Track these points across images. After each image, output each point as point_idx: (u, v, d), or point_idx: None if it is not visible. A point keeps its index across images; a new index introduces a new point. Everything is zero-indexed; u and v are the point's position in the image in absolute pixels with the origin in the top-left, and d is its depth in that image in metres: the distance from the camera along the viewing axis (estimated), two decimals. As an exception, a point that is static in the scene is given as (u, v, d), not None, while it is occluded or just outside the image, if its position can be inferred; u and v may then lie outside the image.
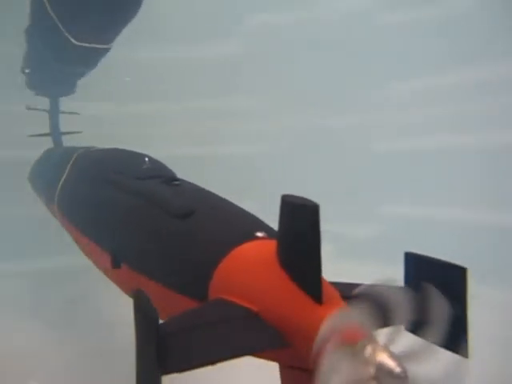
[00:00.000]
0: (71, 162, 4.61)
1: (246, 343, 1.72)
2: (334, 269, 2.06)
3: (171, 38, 9.06)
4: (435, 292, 1.62)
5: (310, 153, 8.98)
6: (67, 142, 7.11)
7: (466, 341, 1.61)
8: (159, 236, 2.58)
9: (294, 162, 9.07)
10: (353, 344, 1.45)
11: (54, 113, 7.48)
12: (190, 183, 3.16)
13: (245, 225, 2.38)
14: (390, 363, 1.41)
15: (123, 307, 2.21)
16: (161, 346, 1.49)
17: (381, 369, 1.41)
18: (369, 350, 1.44)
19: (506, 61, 7.35)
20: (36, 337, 5.41)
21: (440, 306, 1.58)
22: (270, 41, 9.42)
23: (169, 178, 3.21)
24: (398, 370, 1.40)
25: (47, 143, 7.21)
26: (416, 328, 1.63)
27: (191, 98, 9.18)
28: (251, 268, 1.98)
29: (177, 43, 9.34)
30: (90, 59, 5.78)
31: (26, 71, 6.91)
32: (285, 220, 1.81)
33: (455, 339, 1.58)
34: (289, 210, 1.79)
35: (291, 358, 1.72)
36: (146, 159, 3.58)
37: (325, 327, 1.50)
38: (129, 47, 6.10)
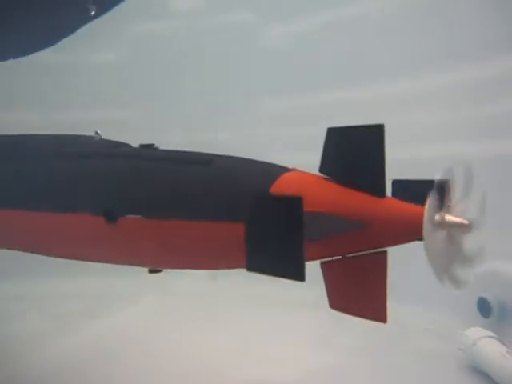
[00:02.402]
0: None
1: (332, 225, 2.10)
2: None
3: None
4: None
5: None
6: None
7: None
8: (187, 182, 2.60)
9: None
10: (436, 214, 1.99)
11: None
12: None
13: (272, 164, 2.57)
14: (459, 219, 1.98)
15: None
16: (302, 221, 1.95)
17: (453, 225, 1.98)
18: (443, 215, 1.99)
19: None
20: None
21: None
22: (152, 50, 8.94)
23: (144, 144, 3.20)
24: (465, 221, 1.97)
25: None
26: None
27: (61, 109, 8.12)
28: (305, 185, 2.26)
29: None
30: None
31: None
32: (346, 143, 2.20)
33: None
34: (353, 133, 2.18)
35: (361, 240, 2.13)
36: (98, 131, 3.52)
37: (428, 209, 1.95)
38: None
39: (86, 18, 5.23)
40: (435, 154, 5.66)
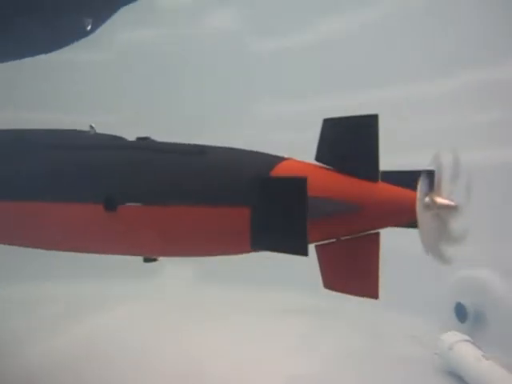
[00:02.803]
0: None
1: (330, 208, 2.25)
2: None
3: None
4: None
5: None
6: None
7: None
8: (187, 169, 2.67)
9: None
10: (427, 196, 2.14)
11: None
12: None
13: (267, 153, 2.66)
14: (447, 201, 2.12)
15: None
16: (307, 200, 2.13)
17: (442, 206, 2.12)
18: (432, 198, 2.14)
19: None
20: None
21: None
22: (144, 55, 8.98)
23: (141, 137, 3.26)
24: (452, 203, 2.12)
25: None
26: None
27: (50, 111, 7.84)
28: (303, 171, 2.36)
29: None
30: None
31: None
32: (341, 133, 2.35)
33: None
34: (349, 123, 2.32)
35: (357, 222, 2.28)
36: (93, 125, 3.56)
37: (419, 192, 2.13)
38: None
39: (82, 33, 5.36)
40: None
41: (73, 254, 3.58)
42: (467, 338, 4.82)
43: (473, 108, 6.25)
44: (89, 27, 5.30)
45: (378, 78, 6.95)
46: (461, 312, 5.40)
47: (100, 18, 5.34)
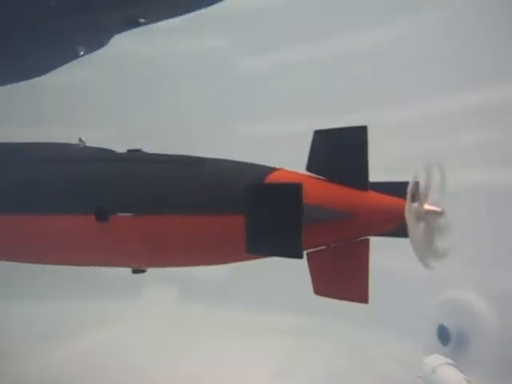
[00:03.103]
0: None
1: (323, 215, 2.34)
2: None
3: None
4: None
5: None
6: None
7: None
8: (182, 180, 2.73)
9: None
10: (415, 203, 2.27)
11: None
12: None
13: (258, 164, 2.75)
14: (433, 207, 2.26)
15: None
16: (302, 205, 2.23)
17: (429, 212, 2.26)
18: (419, 205, 2.27)
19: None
20: None
21: None
22: (130, 72, 8.95)
23: (130, 149, 3.30)
24: (439, 209, 2.27)
25: None
26: None
27: (36, 126, 7.68)
28: (295, 180, 2.42)
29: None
30: None
31: None
32: (332, 144, 2.45)
33: None
34: (339, 134, 2.42)
35: (348, 229, 2.36)
36: (83, 138, 3.60)
37: (408, 200, 2.23)
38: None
39: (74, 56, 5.48)
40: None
41: (69, 273, 3.57)
42: (450, 361, 4.83)
43: (470, 128, 6.12)
44: (81, 53, 5.42)
45: (370, 98, 6.99)
46: (443, 335, 5.43)
47: (93, 47, 5.47)
